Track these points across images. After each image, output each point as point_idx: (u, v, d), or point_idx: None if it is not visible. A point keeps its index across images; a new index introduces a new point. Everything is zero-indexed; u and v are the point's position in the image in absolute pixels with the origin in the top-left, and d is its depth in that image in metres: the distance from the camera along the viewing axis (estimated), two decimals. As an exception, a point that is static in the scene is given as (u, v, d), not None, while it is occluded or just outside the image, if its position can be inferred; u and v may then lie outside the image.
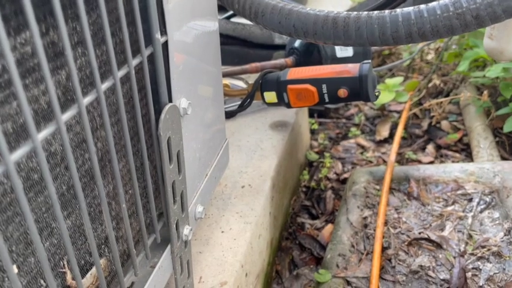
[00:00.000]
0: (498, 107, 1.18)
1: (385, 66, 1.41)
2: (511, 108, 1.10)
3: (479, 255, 0.76)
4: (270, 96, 0.73)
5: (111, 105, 0.41)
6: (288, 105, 0.73)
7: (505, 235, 0.79)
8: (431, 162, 1.17)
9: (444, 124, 1.32)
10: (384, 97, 1.25)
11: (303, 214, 1.03)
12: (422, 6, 0.47)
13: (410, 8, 0.48)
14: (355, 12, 0.51)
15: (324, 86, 0.67)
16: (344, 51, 0.91)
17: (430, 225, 0.84)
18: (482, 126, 1.20)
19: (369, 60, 0.68)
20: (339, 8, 1.66)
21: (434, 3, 0.47)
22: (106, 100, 0.40)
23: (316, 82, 0.67)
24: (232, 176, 0.84)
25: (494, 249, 0.76)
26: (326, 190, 1.09)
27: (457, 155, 1.20)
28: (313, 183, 1.11)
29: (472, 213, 0.84)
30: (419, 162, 1.17)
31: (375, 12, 0.50)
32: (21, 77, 0.32)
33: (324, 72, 0.67)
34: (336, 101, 0.69)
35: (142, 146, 0.42)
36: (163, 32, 0.43)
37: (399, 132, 1.24)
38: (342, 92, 0.66)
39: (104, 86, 0.34)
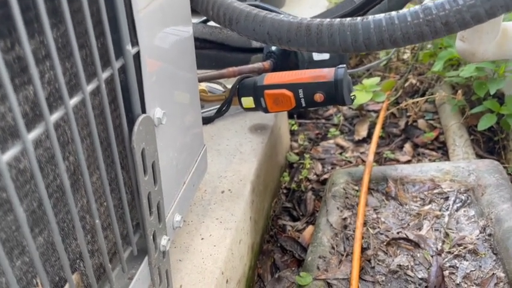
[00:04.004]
0: (472, 105, 1.20)
1: (362, 67, 1.42)
2: (484, 106, 1.12)
3: (455, 253, 0.77)
4: (248, 101, 0.73)
5: (82, 117, 0.41)
6: (266, 110, 0.73)
7: (480, 233, 0.80)
8: (409, 161, 1.19)
9: (421, 123, 1.34)
10: (362, 97, 1.26)
11: (284, 216, 1.03)
12: (394, 13, 0.48)
13: (382, 15, 0.48)
14: (328, 19, 0.51)
15: (300, 91, 0.67)
16: (320, 54, 0.92)
17: (408, 224, 0.85)
18: (457, 125, 1.22)
19: (344, 65, 0.69)
20: (317, 9, 1.68)
21: (405, 11, 0.47)
22: (77, 113, 0.39)
23: (292, 87, 0.68)
24: (212, 181, 0.83)
25: (470, 247, 0.78)
26: (306, 191, 1.09)
27: (434, 153, 1.22)
28: (293, 185, 1.11)
29: (448, 212, 0.86)
30: (397, 161, 1.19)
31: (348, 19, 0.50)
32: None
33: (300, 77, 0.68)
34: (313, 105, 0.69)
35: (115, 158, 0.41)
36: (134, 42, 0.43)
37: (377, 132, 1.25)
38: (319, 97, 0.67)
39: (72, 101, 0.33)
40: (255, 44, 1.05)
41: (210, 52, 1.00)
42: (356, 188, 0.96)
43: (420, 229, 0.84)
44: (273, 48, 0.94)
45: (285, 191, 1.11)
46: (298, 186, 1.11)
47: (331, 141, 1.30)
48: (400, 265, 0.77)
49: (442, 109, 1.33)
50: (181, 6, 0.56)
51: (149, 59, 0.45)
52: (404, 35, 0.47)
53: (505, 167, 1.10)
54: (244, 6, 0.58)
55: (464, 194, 0.89)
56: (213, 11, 0.61)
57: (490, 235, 0.79)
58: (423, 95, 1.43)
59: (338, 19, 0.51)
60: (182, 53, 0.57)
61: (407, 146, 1.24)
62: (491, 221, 0.80)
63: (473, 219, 0.83)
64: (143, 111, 0.45)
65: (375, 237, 0.83)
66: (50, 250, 0.40)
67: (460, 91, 1.21)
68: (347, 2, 1.19)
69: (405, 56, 1.66)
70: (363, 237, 0.83)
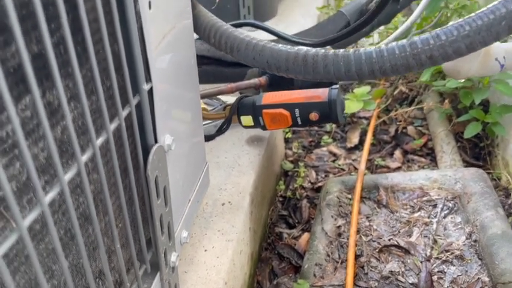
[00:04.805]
0: (459, 113, 1.26)
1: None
2: (470, 115, 1.17)
3: (443, 259, 0.82)
4: (247, 120, 0.77)
5: (101, 149, 0.45)
6: (264, 128, 0.77)
7: (466, 239, 0.85)
8: (399, 168, 1.24)
9: (410, 129, 1.40)
10: (353, 106, 1.30)
11: (280, 224, 1.08)
12: (383, 46, 0.52)
13: (372, 49, 0.53)
14: (323, 50, 0.55)
15: (296, 111, 0.72)
16: (314, 69, 0.96)
17: (399, 231, 0.90)
18: (445, 132, 1.27)
19: (338, 86, 0.74)
20: (308, 18, 1.72)
21: (393, 44, 0.52)
22: (101, 149, 0.43)
23: (289, 107, 0.72)
24: (213, 193, 0.87)
25: (457, 252, 0.83)
26: (301, 199, 1.14)
27: (423, 159, 1.27)
28: (289, 193, 1.16)
29: (436, 219, 0.90)
30: (388, 168, 1.24)
31: (341, 51, 0.54)
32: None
33: (296, 97, 0.72)
34: (309, 123, 0.73)
35: (132, 185, 0.45)
36: (148, 79, 0.47)
37: (369, 139, 1.30)
38: (314, 116, 0.71)
39: (99, 141, 0.37)
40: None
41: (208, 68, 1.04)
42: (349, 196, 1.01)
43: (410, 236, 0.89)
44: (269, 64, 0.98)
45: (281, 199, 1.15)
46: (294, 194, 1.15)
47: (324, 148, 1.35)
48: (392, 271, 0.82)
49: (430, 116, 1.38)
50: (187, 37, 0.60)
51: (160, 92, 0.49)
52: (393, 67, 0.52)
53: (490, 173, 1.15)
54: (244, 36, 0.62)
55: (451, 202, 0.94)
56: (215, 38, 0.65)
57: (475, 241, 0.84)
58: (412, 101, 1.48)
59: (332, 50, 0.55)
60: (188, 79, 0.61)
61: (397, 153, 1.29)
62: (476, 227, 0.85)
63: (459, 226, 0.88)
64: (155, 140, 0.49)
65: (368, 245, 0.88)
66: (74, 272, 0.43)
67: (446, 100, 1.27)
68: (337, 17, 1.24)
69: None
70: (356, 245, 0.87)
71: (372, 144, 1.34)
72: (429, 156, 1.28)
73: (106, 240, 0.49)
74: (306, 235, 1.02)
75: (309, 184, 1.19)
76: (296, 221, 1.08)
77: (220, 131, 0.80)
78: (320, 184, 1.18)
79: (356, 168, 1.24)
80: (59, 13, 0.31)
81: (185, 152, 0.61)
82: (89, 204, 0.37)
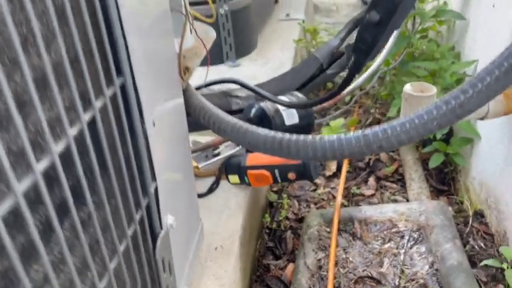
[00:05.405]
0: (425, 143, 1.39)
1: (328, 116, 1.58)
2: (434, 146, 1.30)
3: (409, 287, 0.95)
4: (234, 178, 0.88)
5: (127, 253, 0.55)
6: (249, 185, 0.89)
7: (429, 268, 0.98)
8: (373, 195, 1.36)
9: (383, 156, 1.52)
10: (330, 139, 1.43)
11: (267, 255, 1.19)
12: (342, 137, 0.64)
13: (334, 138, 0.65)
14: (295, 136, 0.67)
15: (276, 171, 0.83)
16: (291, 119, 1.08)
17: (371, 262, 1.02)
18: (413, 160, 1.40)
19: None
20: (286, 51, 1.84)
21: (350, 136, 0.64)
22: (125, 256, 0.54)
23: (270, 168, 0.84)
24: (207, 237, 0.98)
25: (421, 281, 0.95)
26: (286, 230, 1.26)
27: (394, 185, 1.40)
28: (274, 225, 1.27)
29: (403, 250, 1.03)
30: (363, 195, 1.37)
31: (309, 138, 0.66)
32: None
33: (276, 159, 0.84)
34: (287, 181, 0.85)
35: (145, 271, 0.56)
36: (153, 178, 0.57)
37: (345, 168, 1.42)
38: (291, 175, 0.83)
39: (122, 247, 0.48)
40: (235, 106, 1.20)
41: (191, 118, 1.15)
42: (328, 229, 1.13)
43: (381, 266, 1.01)
44: (251, 115, 1.10)
45: (267, 231, 1.27)
46: (279, 226, 1.27)
47: (305, 178, 1.47)
48: (365, 300, 0.94)
49: (400, 143, 1.51)
50: (180, 120, 0.71)
51: (164, 183, 0.60)
52: (350, 153, 0.64)
53: (454, 198, 1.29)
54: (230, 119, 0.74)
55: (417, 232, 1.07)
56: (205, 119, 0.76)
57: (436, 270, 0.97)
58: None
59: (302, 137, 0.67)
60: (181, 151, 0.72)
61: (371, 180, 1.42)
62: (437, 258, 0.98)
63: (424, 255, 1.01)
64: (160, 224, 0.60)
65: (345, 276, 1.00)
66: None
67: (413, 131, 1.40)
68: (311, 60, 1.36)
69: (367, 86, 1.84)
70: (335, 277, 1.00)
71: (349, 172, 1.47)
72: (400, 181, 1.41)
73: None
74: (291, 265, 1.14)
75: (293, 215, 1.31)
76: (282, 252, 1.20)
77: (211, 190, 0.91)
78: (302, 214, 1.30)
79: (334, 197, 1.37)
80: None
81: (183, 221, 0.72)
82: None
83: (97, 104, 0.41)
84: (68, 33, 0.37)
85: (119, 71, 0.46)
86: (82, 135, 0.38)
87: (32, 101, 0.32)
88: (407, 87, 0.91)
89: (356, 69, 0.74)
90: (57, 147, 0.35)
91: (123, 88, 0.47)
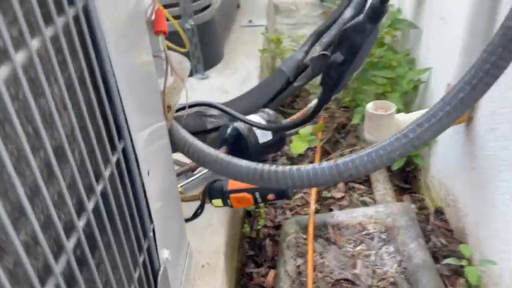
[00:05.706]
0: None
1: (297, 128, 1.66)
2: (396, 149, 1.41)
3: (381, 286, 1.05)
4: (217, 202, 0.95)
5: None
6: (232, 207, 0.96)
7: (398, 266, 1.08)
8: (343, 197, 1.46)
9: (350, 158, 1.62)
10: (300, 147, 1.50)
11: (249, 264, 1.27)
12: (317, 166, 0.72)
13: (310, 167, 0.72)
14: (274, 167, 0.74)
15: (257, 193, 0.90)
16: (264, 137, 1.15)
17: (346, 265, 1.12)
18: (378, 162, 1.50)
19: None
20: (252, 60, 1.90)
21: (324, 165, 0.71)
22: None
23: (251, 191, 0.91)
24: (194, 256, 1.05)
25: (391, 279, 1.05)
26: (265, 238, 1.33)
27: (362, 186, 1.50)
28: (253, 234, 1.35)
29: (374, 251, 1.13)
30: (334, 198, 1.46)
31: (287, 169, 0.73)
32: None
33: (255, 182, 0.91)
34: (267, 201, 0.92)
35: (147, 302, 0.62)
36: (151, 221, 0.63)
37: (316, 174, 1.51)
38: (271, 196, 0.90)
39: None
40: (209, 125, 1.26)
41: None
42: (304, 236, 1.21)
43: (355, 268, 1.10)
44: (226, 135, 1.16)
45: (248, 240, 1.34)
46: (258, 234, 1.34)
47: (279, 184, 1.55)
48: (343, 301, 1.03)
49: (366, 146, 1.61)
50: (167, 158, 0.76)
51: (157, 227, 0.66)
52: (325, 181, 0.71)
53: (415, 195, 1.40)
54: (212, 151, 0.80)
55: (385, 233, 1.17)
56: (189, 153, 0.82)
57: (405, 268, 1.07)
58: (349, 131, 1.71)
59: (281, 168, 0.74)
60: (170, 186, 0.78)
61: (340, 183, 1.51)
62: (404, 257, 1.08)
63: (392, 255, 1.11)
64: (159, 263, 0.66)
65: (323, 280, 1.09)
66: None
67: (377, 135, 1.50)
68: (278, 74, 1.43)
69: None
70: (314, 282, 1.08)
71: (319, 176, 1.55)
72: (367, 182, 1.52)
73: None
74: (272, 272, 1.21)
75: (270, 222, 1.39)
76: (263, 259, 1.27)
77: (196, 215, 0.97)
78: (279, 221, 1.38)
79: (307, 202, 1.45)
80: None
81: (175, 250, 0.78)
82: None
83: (106, 173, 0.47)
84: (77, 113, 0.42)
85: (120, 136, 0.51)
86: (98, 208, 0.44)
87: (56, 176, 0.37)
88: (369, 106, 0.99)
89: (325, 101, 0.82)
90: (80, 222, 0.41)
91: (124, 151, 0.52)
